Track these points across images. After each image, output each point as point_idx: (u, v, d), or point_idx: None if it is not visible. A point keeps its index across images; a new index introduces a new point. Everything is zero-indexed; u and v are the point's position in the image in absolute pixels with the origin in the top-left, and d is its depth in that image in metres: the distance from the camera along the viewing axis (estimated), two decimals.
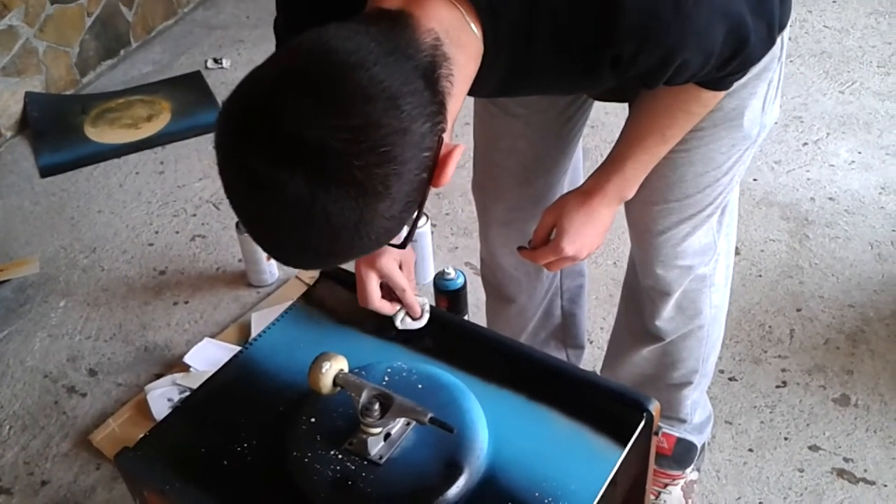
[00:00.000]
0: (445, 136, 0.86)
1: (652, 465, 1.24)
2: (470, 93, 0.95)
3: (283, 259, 0.88)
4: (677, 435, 1.67)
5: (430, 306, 1.28)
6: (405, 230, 0.91)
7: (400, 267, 1.25)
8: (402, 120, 0.78)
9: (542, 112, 1.41)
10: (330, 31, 0.81)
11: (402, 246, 0.96)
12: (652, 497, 1.66)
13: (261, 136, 0.78)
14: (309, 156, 0.77)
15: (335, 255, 0.86)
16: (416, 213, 0.87)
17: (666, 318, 1.50)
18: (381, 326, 1.30)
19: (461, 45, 0.87)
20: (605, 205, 1.25)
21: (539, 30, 0.92)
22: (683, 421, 1.67)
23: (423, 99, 0.81)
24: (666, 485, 1.68)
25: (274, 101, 0.78)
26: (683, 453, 1.68)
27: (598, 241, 1.30)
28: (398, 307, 1.26)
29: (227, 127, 0.81)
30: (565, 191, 1.54)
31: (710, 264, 1.45)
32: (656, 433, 1.17)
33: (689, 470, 1.69)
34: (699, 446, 1.70)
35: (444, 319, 1.32)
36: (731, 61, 1.03)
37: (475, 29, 0.88)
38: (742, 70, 1.09)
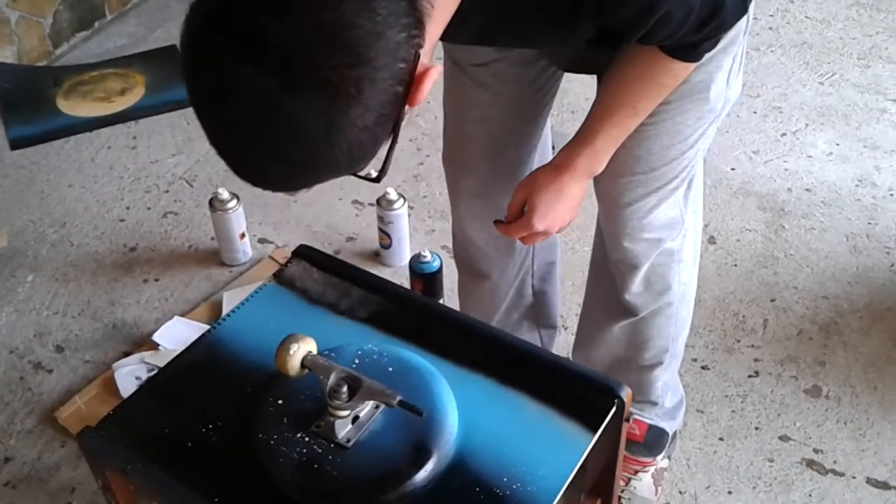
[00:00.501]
0: (423, 59, 0.83)
1: (622, 452, 1.23)
2: (446, 38, 0.95)
3: (249, 175, 0.85)
4: (649, 422, 1.67)
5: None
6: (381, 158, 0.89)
7: None
8: (377, 24, 0.75)
9: (512, 81, 1.40)
10: None
11: (378, 179, 0.93)
12: (622, 483, 1.66)
13: (227, 33, 0.75)
14: (277, 53, 0.74)
15: (303, 166, 0.81)
16: (391, 138, 0.85)
17: (635, 292, 1.50)
18: (354, 307, 1.28)
19: None
20: (574, 180, 1.26)
21: None
22: (655, 404, 1.67)
23: (399, 8, 0.78)
24: (636, 471, 1.68)
25: None
26: (655, 440, 1.68)
27: (569, 216, 1.32)
28: None
29: (191, 27, 0.77)
30: (535, 166, 1.53)
31: (677, 239, 1.46)
32: (627, 419, 1.17)
33: (660, 457, 1.69)
34: (670, 433, 1.70)
35: (416, 302, 1.30)
36: (707, 23, 1.04)
37: None
38: (715, 36, 1.11)
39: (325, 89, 0.75)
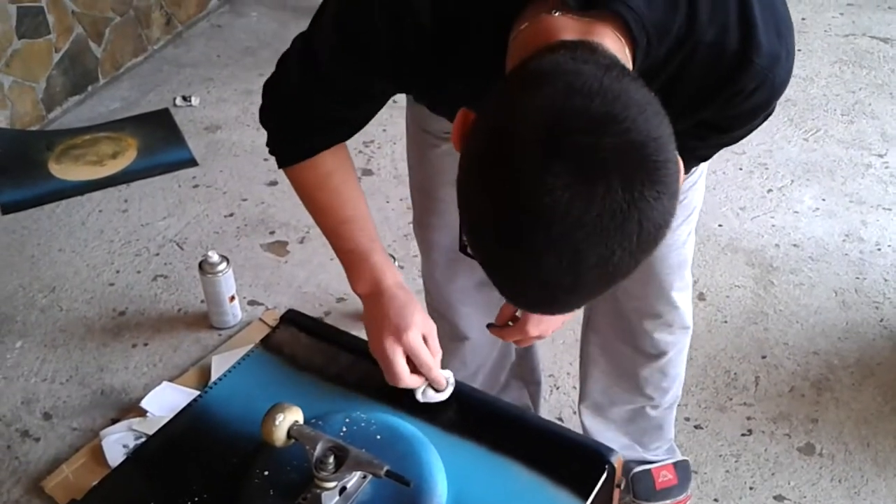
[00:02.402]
0: None
1: None
2: None
3: (570, 299, 0.82)
4: (673, 461, 1.69)
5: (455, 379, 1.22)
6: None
7: (425, 341, 1.18)
8: (667, 125, 0.78)
9: None
10: (569, 63, 0.79)
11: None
12: None
13: (566, 158, 0.74)
14: (619, 165, 0.74)
15: (623, 273, 0.79)
16: None
17: (660, 336, 1.55)
18: (342, 373, 1.27)
19: None
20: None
21: (675, 77, 0.98)
22: (670, 439, 1.70)
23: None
24: None
25: (568, 125, 0.75)
26: (684, 474, 1.71)
27: (562, 319, 1.35)
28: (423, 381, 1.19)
29: (515, 163, 0.76)
30: None
31: (685, 277, 1.52)
32: (619, 486, 1.16)
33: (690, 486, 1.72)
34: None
35: None
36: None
37: (628, 58, 0.90)
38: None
39: (663, 183, 0.75)
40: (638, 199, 0.73)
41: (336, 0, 1.07)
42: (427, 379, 1.18)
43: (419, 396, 1.19)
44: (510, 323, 1.38)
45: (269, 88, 1.20)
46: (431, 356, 1.17)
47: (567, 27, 0.88)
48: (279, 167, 1.24)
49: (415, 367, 1.17)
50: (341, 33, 1.05)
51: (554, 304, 0.84)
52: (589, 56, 0.81)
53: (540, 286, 0.79)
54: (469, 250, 1.01)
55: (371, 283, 1.22)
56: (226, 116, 3.15)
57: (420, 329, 1.17)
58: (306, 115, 1.17)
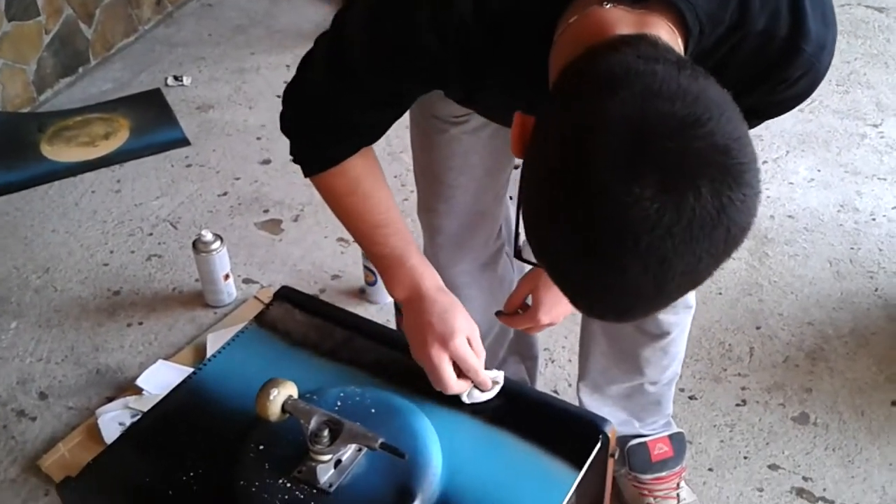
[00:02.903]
0: None
1: (609, 488, 1.22)
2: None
3: (654, 302, 0.79)
4: (668, 433, 1.70)
5: (504, 377, 1.21)
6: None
7: (469, 344, 1.16)
8: (744, 122, 0.77)
9: (490, 125, 1.40)
10: (639, 63, 0.76)
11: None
12: (673, 501, 1.68)
13: (655, 164, 0.71)
14: (709, 168, 0.72)
15: (705, 277, 0.78)
16: None
17: (664, 318, 1.53)
18: (336, 348, 1.27)
19: None
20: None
21: (722, 63, 0.96)
22: (668, 414, 1.70)
23: None
24: (678, 484, 1.69)
25: (652, 132, 0.72)
26: (679, 445, 1.71)
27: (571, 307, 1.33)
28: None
29: (612, 165, 0.72)
30: (508, 195, 1.54)
31: None
32: (612, 455, 1.16)
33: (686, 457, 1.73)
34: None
35: (398, 341, 1.30)
36: None
37: (680, 47, 0.89)
38: None
39: (749, 185, 0.73)
40: (727, 204, 0.71)
41: (366, 2, 1.03)
42: (473, 382, 1.17)
43: (465, 398, 1.17)
44: (519, 311, 1.37)
45: (290, 94, 1.16)
46: (477, 359, 1.16)
47: (621, 20, 0.85)
48: (305, 176, 1.21)
49: (461, 372, 1.16)
50: (376, 37, 1.02)
51: (632, 313, 0.82)
52: (653, 52, 0.78)
53: (621, 296, 0.77)
54: (529, 257, 1.00)
55: (409, 287, 1.20)
56: (218, 95, 3.14)
57: (464, 333, 1.15)
58: (333, 120, 1.14)
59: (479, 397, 1.18)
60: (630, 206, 0.70)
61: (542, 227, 0.79)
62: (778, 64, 0.98)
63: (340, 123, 1.14)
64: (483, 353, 1.18)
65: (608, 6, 0.86)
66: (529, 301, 1.35)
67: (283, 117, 1.19)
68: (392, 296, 1.23)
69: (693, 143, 0.71)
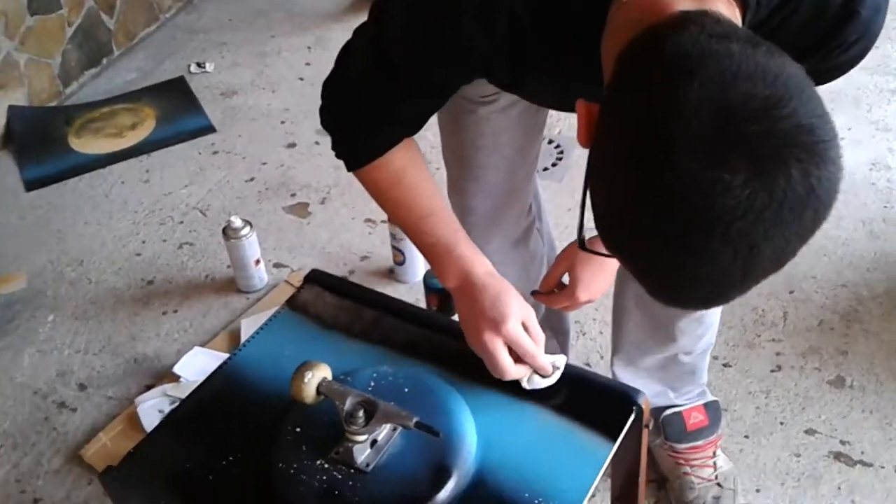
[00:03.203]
0: None
1: (644, 459, 1.22)
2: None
3: (744, 283, 0.76)
4: (703, 402, 1.69)
5: (565, 359, 1.17)
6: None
7: (525, 328, 1.13)
8: (821, 98, 0.75)
9: (518, 103, 1.39)
10: (712, 43, 0.74)
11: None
12: (710, 469, 1.67)
13: (746, 146, 0.70)
14: (796, 148, 0.70)
15: (791, 258, 0.76)
16: None
17: None
18: (367, 329, 1.28)
19: None
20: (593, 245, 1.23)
21: (776, 30, 0.94)
22: (702, 384, 1.69)
23: None
24: (714, 453, 1.69)
25: (737, 115, 0.70)
26: (715, 414, 1.70)
27: (610, 281, 1.34)
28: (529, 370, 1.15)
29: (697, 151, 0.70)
30: (536, 169, 1.53)
31: None
32: (647, 426, 1.16)
33: (721, 425, 1.72)
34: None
35: (428, 320, 1.30)
36: None
37: (738, 19, 0.87)
38: None
39: (834, 164, 0.72)
40: (815, 184, 0.69)
41: None
42: (532, 367, 1.14)
43: (525, 384, 1.15)
44: (555, 290, 1.36)
45: (330, 87, 1.16)
46: (534, 343, 1.13)
47: None
48: (349, 170, 1.21)
49: (518, 357, 1.13)
50: (419, 34, 1.01)
51: (717, 300, 0.79)
52: (721, 29, 0.75)
53: (707, 285, 0.75)
54: (596, 248, 0.98)
55: (459, 276, 1.18)
56: (241, 81, 3.15)
57: (518, 317, 1.12)
58: (375, 113, 1.13)
59: (540, 383, 1.15)
60: (720, 193, 0.69)
61: (621, 218, 0.77)
62: (833, 29, 0.96)
63: (382, 116, 1.13)
64: (542, 337, 1.15)
65: None
66: (565, 279, 1.35)
67: (324, 112, 1.18)
68: (444, 285, 1.21)
69: (778, 123, 0.69)
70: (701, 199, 0.69)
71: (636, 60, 0.79)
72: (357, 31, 1.12)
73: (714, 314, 1.58)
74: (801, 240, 0.73)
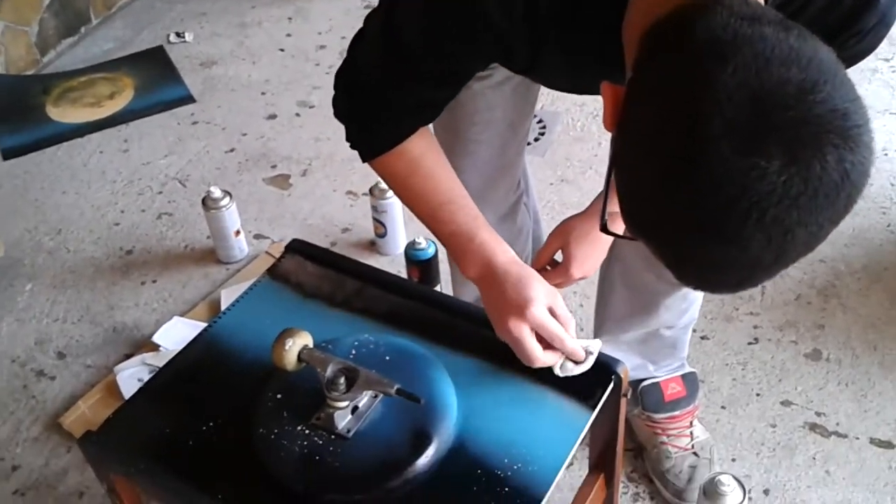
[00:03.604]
0: None
1: (623, 428, 1.24)
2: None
3: (757, 273, 0.76)
4: (681, 373, 1.71)
5: (599, 344, 1.14)
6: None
7: (552, 312, 1.10)
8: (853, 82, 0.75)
9: (511, 79, 1.38)
10: (743, 26, 0.73)
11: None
12: (686, 439, 1.69)
13: (778, 131, 0.69)
14: (832, 133, 0.69)
15: (821, 242, 0.75)
16: None
17: None
18: (349, 298, 1.28)
19: None
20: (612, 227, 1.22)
21: (793, 16, 0.91)
22: (682, 357, 1.71)
23: None
24: (691, 422, 1.71)
25: (772, 101, 0.69)
26: (692, 385, 1.72)
27: (602, 258, 1.34)
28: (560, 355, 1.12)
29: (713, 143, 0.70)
30: (526, 146, 1.53)
31: None
32: (625, 395, 1.17)
33: (698, 396, 1.74)
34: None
35: (410, 289, 1.31)
36: None
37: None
38: None
39: (868, 148, 0.72)
40: (850, 169, 0.69)
41: None
42: (562, 352, 1.11)
43: (558, 371, 1.11)
44: (548, 267, 1.36)
45: (343, 78, 1.14)
46: (562, 327, 1.10)
47: None
48: (364, 161, 1.19)
49: (548, 344, 1.10)
50: (435, 22, 1.00)
51: (747, 285, 0.79)
52: (749, 11, 0.74)
53: (739, 270, 0.75)
54: (617, 230, 0.98)
55: (481, 264, 1.15)
56: (220, 51, 3.12)
57: (543, 301, 1.09)
58: (390, 102, 1.12)
59: (573, 369, 1.11)
60: (756, 179, 0.68)
61: (650, 204, 0.77)
62: (852, 16, 0.96)
63: (397, 105, 1.12)
64: (571, 321, 1.12)
65: None
66: (557, 256, 1.35)
67: (337, 102, 1.17)
68: (466, 276, 1.18)
69: (813, 108, 0.69)
70: (736, 185, 0.69)
71: (664, 43, 0.78)
72: (368, 19, 1.10)
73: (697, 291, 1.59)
74: (834, 224, 0.73)
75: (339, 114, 1.17)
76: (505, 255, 1.15)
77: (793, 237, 0.71)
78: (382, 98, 1.12)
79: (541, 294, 1.10)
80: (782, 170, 0.68)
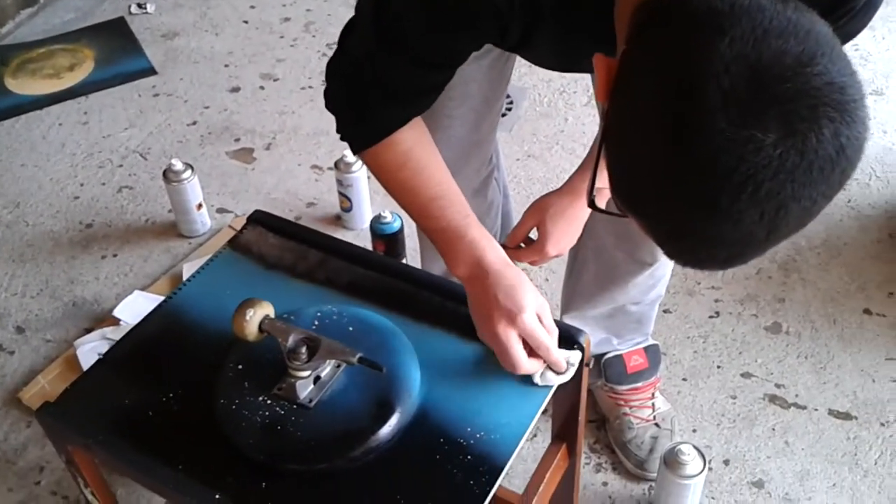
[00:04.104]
0: None
1: (585, 397, 1.24)
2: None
3: (750, 247, 0.75)
4: (644, 345, 1.72)
5: (580, 356, 1.13)
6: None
7: (539, 320, 1.09)
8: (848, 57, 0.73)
9: (489, 52, 1.36)
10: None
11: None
12: (648, 410, 1.71)
13: (775, 104, 0.68)
14: (829, 107, 0.68)
15: (814, 218, 0.74)
16: None
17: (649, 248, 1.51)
18: (311, 270, 1.27)
19: None
20: (586, 206, 1.16)
21: None
22: (647, 333, 1.72)
23: None
24: (653, 394, 1.72)
25: (770, 73, 0.68)
26: (654, 356, 1.73)
27: (577, 235, 1.34)
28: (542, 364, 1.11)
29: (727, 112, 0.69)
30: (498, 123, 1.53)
31: None
32: (587, 365, 1.18)
33: (660, 368, 1.76)
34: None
35: (373, 260, 1.30)
36: None
37: None
38: None
39: (863, 123, 0.71)
40: (846, 144, 0.69)
41: None
42: (546, 362, 1.11)
43: (537, 379, 1.11)
44: (522, 244, 1.36)
45: (335, 68, 1.14)
46: (549, 337, 1.09)
47: None
48: (354, 153, 1.19)
49: (532, 351, 1.09)
50: (432, 8, 0.99)
51: (737, 261, 0.78)
52: None
53: (730, 245, 0.74)
54: (604, 206, 0.96)
55: (470, 263, 1.12)
56: (183, 23, 3.07)
57: (534, 309, 1.08)
58: (382, 90, 1.10)
59: (553, 379, 1.11)
60: (752, 152, 0.68)
61: (644, 177, 0.75)
62: None
63: (390, 93, 1.10)
64: (556, 330, 1.11)
65: None
66: (533, 234, 1.35)
67: (329, 93, 1.15)
68: (454, 274, 1.16)
69: (811, 81, 0.68)
70: (732, 157, 0.68)
71: (660, 15, 0.76)
72: (358, 8, 1.09)
73: (666, 266, 1.60)
74: (827, 199, 0.72)
75: (329, 105, 1.16)
76: (495, 254, 1.13)
77: (786, 212, 0.70)
78: (374, 87, 1.10)
79: (532, 301, 1.09)
80: (778, 142, 0.68)
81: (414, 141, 1.15)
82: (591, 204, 0.94)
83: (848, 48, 0.79)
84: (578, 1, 0.95)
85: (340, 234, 2.21)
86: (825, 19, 0.94)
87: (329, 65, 1.14)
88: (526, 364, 1.08)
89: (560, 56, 1.14)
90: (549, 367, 1.11)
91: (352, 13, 1.11)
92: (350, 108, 1.14)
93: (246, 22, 3.05)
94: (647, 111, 0.74)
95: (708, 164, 0.69)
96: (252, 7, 3.14)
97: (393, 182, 1.18)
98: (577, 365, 1.13)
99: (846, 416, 1.75)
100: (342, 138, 1.18)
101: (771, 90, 0.68)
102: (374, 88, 1.10)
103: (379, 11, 1.04)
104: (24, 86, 2.83)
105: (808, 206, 0.71)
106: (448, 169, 1.20)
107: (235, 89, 2.74)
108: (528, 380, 1.11)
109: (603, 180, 0.84)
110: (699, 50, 0.70)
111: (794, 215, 0.71)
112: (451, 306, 1.19)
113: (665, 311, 1.96)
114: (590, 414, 1.73)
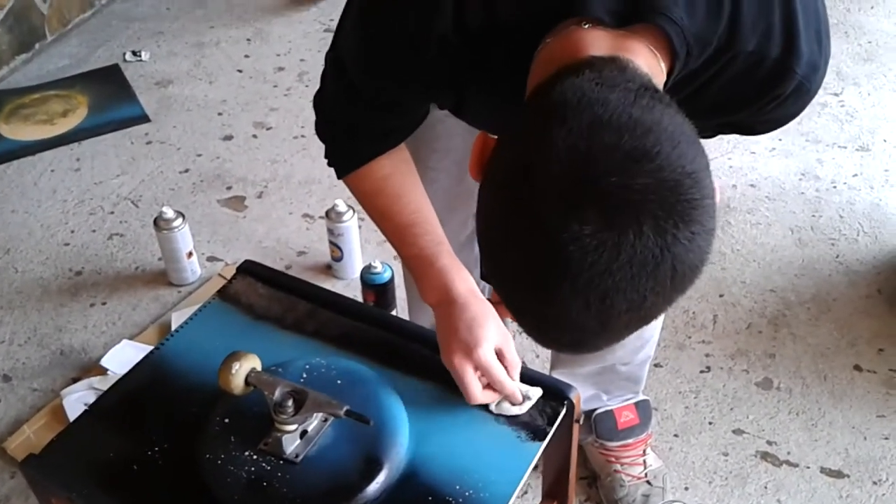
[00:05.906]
0: None
1: (575, 454, 1.23)
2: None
3: (603, 338, 0.78)
4: (634, 400, 1.71)
5: (540, 392, 1.14)
6: None
7: (498, 355, 1.10)
8: (704, 155, 0.74)
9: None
10: (594, 91, 0.74)
11: None
12: (640, 467, 1.69)
13: (596, 197, 0.69)
14: (654, 205, 0.69)
15: (655, 315, 0.76)
16: None
17: None
18: (300, 321, 1.27)
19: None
20: None
21: (708, 82, 0.94)
22: (637, 391, 1.71)
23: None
24: (644, 450, 1.71)
25: (596, 166, 0.70)
26: (645, 412, 1.72)
27: None
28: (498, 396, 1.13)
29: (550, 204, 0.70)
30: None
31: None
32: (577, 421, 1.17)
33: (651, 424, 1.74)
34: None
35: (364, 313, 1.29)
36: None
37: (663, 71, 0.86)
38: None
39: (698, 223, 0.71)
40: (671, 242, 0.69)
41: (357, 11, 1.02)
42: (501, 394, 1.12)
43: (493, 408, 1.13)
44: None
45: (315, 102, 1.20)
46: (505, 372, 1.10)
47: (596, 42, 0.83)
48: (338, 178, 1.23)
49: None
50: (365, 51, 1.03)
51: (583, 347, 0.81)
52: (618, 77, 0.76)
53: (568, 331, 0.76)
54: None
55: (439, 290, 1.14)
56: (177, 70, 3.09)
57: (493, 343, 1.10)
58: (348, 126, 1.16)
59: (509, 410, 1.12)
60: (568, 242, 0.69)
61: (494, 255, 0.78)
62: (768, 84, 0.96)
63: (355, 130, 1.16)
64: (518, 364, 1.12)
65: (587, 27, 0.84)
66: None
67: (315, 124, 1.22)
68: (424, 300, 1.18)
69: (638, 178, 0.69)
70: (553, 246, 0.70)
71: (531, 100, 0.80)
72: (328, 49, 1.14)
73: (653, 328, 1.60)
74: (662, 297, 0.72)
75: (317, 134, 1.22)
76: (464, 283, 1.14)
77: (612, 304, 0.71)
78: (342, 123, 1.17)
79: (492, 335, 1.10)
80: (594, 235, 0.68)
81: (392, 168, 1.19)
82: (483, 275, 0.95)
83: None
84: (498, 73, 0.96)
85: (331, 284, 2.21)
86: (752, 104, 0.96)
87: (314, 98, 1.20)
88: (479, 396, 1.10)
89: (499, 122, 1.16)
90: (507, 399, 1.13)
91: None
92: (330, 139, 1.21)
93: (240, 71, 3.07)
94: (494, 192, 0.77)
95: (535, 248, 0.71)
96: (246, 56, 3.16)
97: (371, 207, 1.23)
98: (534, 399, 1.14)
99: (838, 475, 1.74)
100: (328, 164, 1.23)
101: (595, 183, 0.69)
102: (342, 125, 1.17)
103: (332, 57, 1.11)
104: (17, 131, 2.84)
105: (638, 301, 0.71)
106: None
107: (228, 137, 2.76)
108: (517, 436, 1.10)
109: None
110: (540, 136, 0.73)
111: (622, 308, 0.71)
112: (441, 360, 1.18)
113: (656, 365, 1.96)
114: (581, 471, 1.72)
